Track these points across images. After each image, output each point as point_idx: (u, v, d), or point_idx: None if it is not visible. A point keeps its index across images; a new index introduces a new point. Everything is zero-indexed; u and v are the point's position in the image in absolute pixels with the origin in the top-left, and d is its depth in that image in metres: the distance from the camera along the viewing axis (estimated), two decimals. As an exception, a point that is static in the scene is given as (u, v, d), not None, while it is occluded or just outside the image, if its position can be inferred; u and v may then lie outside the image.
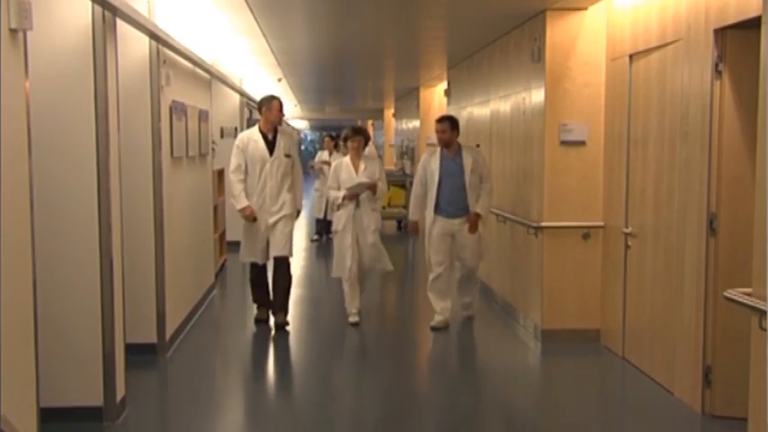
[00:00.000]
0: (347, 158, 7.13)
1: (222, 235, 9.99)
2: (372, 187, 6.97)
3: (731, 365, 4.51)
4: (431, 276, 7.01)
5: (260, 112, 6.90)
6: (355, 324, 6.94)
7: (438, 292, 7.00)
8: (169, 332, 6.07)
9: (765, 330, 3.24)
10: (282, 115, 7.01)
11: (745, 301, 3.43)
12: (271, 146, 6.80)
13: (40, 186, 3.77)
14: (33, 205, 3.39)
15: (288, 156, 6.89)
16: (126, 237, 4.89)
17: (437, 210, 6.86)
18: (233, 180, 6.86)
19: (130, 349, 4.99)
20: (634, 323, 5.76)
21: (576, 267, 6.36)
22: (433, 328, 6.92)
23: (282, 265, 6.96)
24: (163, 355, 5.90)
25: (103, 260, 4.41)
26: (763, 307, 3.28)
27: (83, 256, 4.37)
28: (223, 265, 9.99)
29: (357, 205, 6.98)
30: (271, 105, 6.83)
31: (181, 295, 6.64)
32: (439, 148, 6.92)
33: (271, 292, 7.11)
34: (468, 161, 6.79)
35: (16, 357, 3.19)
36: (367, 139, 14.66)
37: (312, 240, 13.12)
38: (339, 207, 7.04)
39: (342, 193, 6.97)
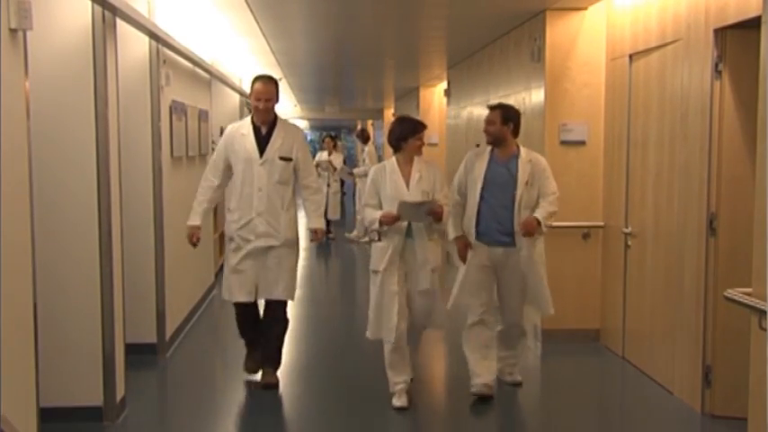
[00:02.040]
0: (392, 162, 4.90)
1: (222, 235, 9.96)
2: (436, 212, 4.71)
3: (731, 365, 4.51)
4: (467, 323, 5.11)
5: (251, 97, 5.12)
6: (402, 409, 4.79)
7: (478, 346, 5.05)
8: (169, 332, 6.07)
9: (765, 330, 3.24)
10: (272, 102, 5.08)
11: (744, 301, 3.44)
12: (263, 143, 5.01)
13: (40, 186, 3.77)
14: (33, 205, 3.40)
15: (285, 159, 5.00)
16: (126, 237, 4.89)
17: (476, 232, 4.97)
18: (201, 184, 5.14)
19: (130, 349, 4.98)
20: (634, 323, 5.76)
21: (576, 267, 6.36)
22: (477, 396, 4.99)
23: (277, 309, 5.19)
24: (163, 355, 5.90)
25: (103, 260, 4.41)
26: (763, 307, 3.28)
27: (83, 256, 4.37)
28: (223, 264, 9.98)
29: (408, 233, 4.81)
30: (251, 90, 5.11)
31: (181, 295, 6.64)
32: (488, 150, 5.03)
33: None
34: (524, 169, 4.89)
35: (16, 357, 3.19)
36: (366, 139, 14.59)
37: (311, 240, 13.09)
38: (378, 235, 4.82)
39: (379, 214, 4.76)
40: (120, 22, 4.65)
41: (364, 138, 13.88)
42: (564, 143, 6.33)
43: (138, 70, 5.65)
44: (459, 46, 9.06)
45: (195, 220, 5.09)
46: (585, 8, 6.25)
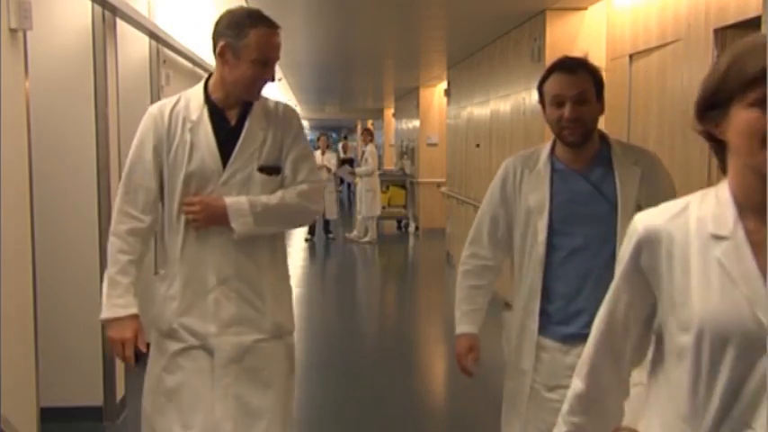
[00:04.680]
0: None
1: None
2: None
3: None
4: None
5: (216, 52, 2.75)
6: None
7: None
8: (169, 332, 6.06)
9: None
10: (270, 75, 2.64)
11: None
12: (228, 141, 2.61)
13: (40, 186, 3.77)
14: (33, 205, 3.40)
15: (269, 170, 2.63)
16: (126, 237, 4.88)
17: (542, 316, 2.56)
18: (112, 232, 2.63)
19: (130, 349, 4.97)
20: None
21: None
22: None
23: None
24: (163, 355, 5.89)
25: (103, 261, 4.40)
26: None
27: (83, 256, 4.37)
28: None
29: None
30: (247, 40, 2.63)
31: (181, 295, 6.63)
32: (546, 150, 2.63)
33: None
34: (628, 180, 2.55)
35: (16, 357, 3.19)
36: (370, 139, 14.57)
37: (305, 240, 13.08)
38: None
39: None
40: (120, 22, 4.65)
41: (368, 137, 13.89)
42: (564, 143, 6.32)
43: (138, 70, 5.65)
44: (459, 46, 9.06)
45: (125, 308, 2.60)
46: (585, 8, 6.25)
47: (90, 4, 4.21)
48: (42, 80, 4.12)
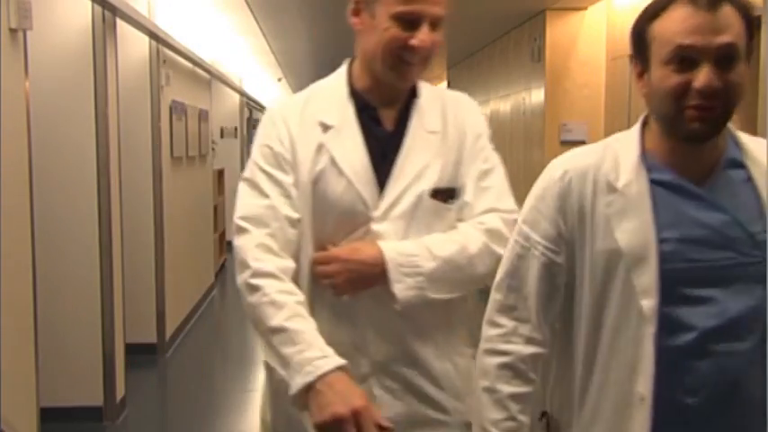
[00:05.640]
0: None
1: (222, 235, 10.00)
2: None
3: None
4: None
5: (350, 14, 1.70)
6: None
7: None
8: (169, 332, 6.07)
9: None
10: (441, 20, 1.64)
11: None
12: (386, 152, 1.69)
13: (40, 186, 3.77)
14: (33, 205, 3.40)
15: (447, 195, 1.70)
16: (126, 237, 4.89)
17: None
18: (247, 276, 1.59)
19: (130, 349, 4.98)
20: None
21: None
22: None
23: None
24: (163, 355, 5.90)
25: (103, 260, 4.41)
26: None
27: (83, 256, 4.37)
28: (223, 265, 9.99)
29: None
30: None
31: (181, 295, 6.64)
32: (634, 146, 1.46)
33: None
34: None
35: (16, 357, 3.19)
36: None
37: None
38: None
39: None
40: (120, 22, 4.65)
41: None
42: (564, 143, 6.33)
43: (138, 70, 5.65)
44: (459, 46, 9.06)
45: (326, 360, 1.49)
46: (585, 8, 6.25)
47: (90, 4, 4.21)
48: (42, 80, 4.12)
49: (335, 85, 1.76)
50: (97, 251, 4.38)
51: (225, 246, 10.25)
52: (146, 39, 5.55)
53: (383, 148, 1.69)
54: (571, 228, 1.42)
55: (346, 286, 1.63)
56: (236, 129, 11.31)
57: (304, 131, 1.68)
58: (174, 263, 6.26)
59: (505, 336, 1.47)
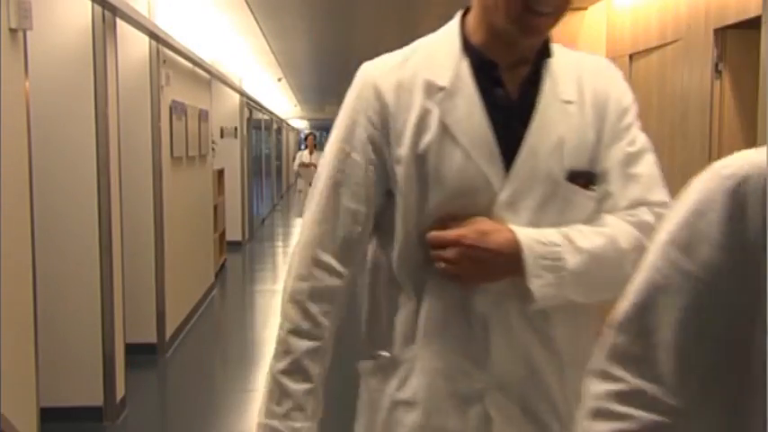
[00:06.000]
0: None
1: (222, 235, 10.01)
2: None
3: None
4: None
5: None
6: None
7: None
8: (169, 332, 6.07)
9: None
10: None
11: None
12: (510, 123, 1.36)
13: (40, 186, 3.77)
14: (33, 206, 3.40)
15: (587, 179, 1.37)
16: (126, 237, 4.89)
17: None
18: (288, 294, 1.41)
19: (130, 349, 4.98)
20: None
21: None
22: None
23: None
24: (163, 355, 5.90)
25: (103, 260, 4.41)
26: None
27: (83, 256, 4.37)
28: (223, 265, 10.00)
29: None
30: None
31: (181, 295, 6.64)
32: None
33: None
34: None
35: (16, 357, 3.19)
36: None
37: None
38: None
39: None
40: (120, 22, 4.65)
41: None
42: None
43: (138, 70, 5.65)
44: (460, 46, 9.07)
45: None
46: (585, 8, 6.25)
47: (90, 4, 4.21)
48: (42, 80, 4.12)
49: (445, 38, 1.46)
50: (97, 251, 4.38)
51: (225, 246, 10.26)
52: (146, 39, 5.54)
53: (506, 116, 1.35)
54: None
55: (468, 277, 1.32)
56: (236, 129, 11.32)
57: (403, 96, 1.36)
58: (174, 263, 6.26)
59: (625, 395, 1.01)
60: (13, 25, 3.15)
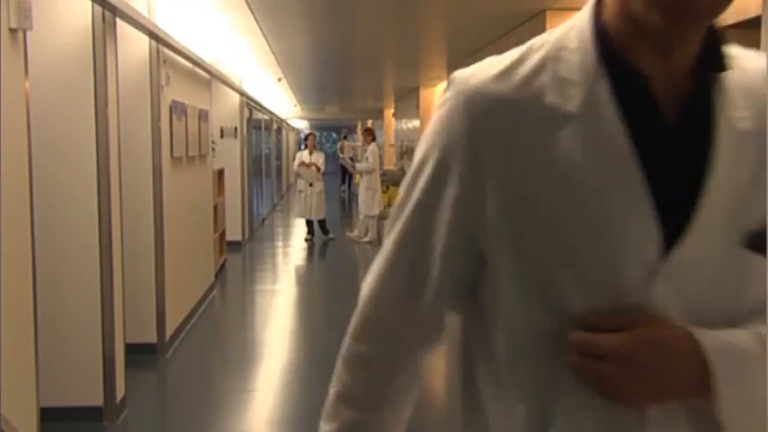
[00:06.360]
0: None
1: (222, 235, 10.00)
2: None
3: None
4: None
5: None
6: None
7: None
8: (169, 332, 6.07)
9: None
10: None
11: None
12: (666, 160, 0.92)
13: (40, 186, 3.77)
14: (33, 206, 3.40)
15: (762, 243, 0.91)
16: (126, 237, 4.89)
17: None
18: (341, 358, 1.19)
19: (130, 349, 4.98)
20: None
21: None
22: None
23: None
24: (163, 355, 5.90)
25: (103, 260, 4.41)
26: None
27: (83, 256, 4.37)
28: (223, 265, 10.00)
29: None
30: None
31: (181, 295, 6.64)
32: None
33: None
34: None
35: (16, 357, 3.19)
36: (372, 138, 14.57)
37: (305, 240, 13.06)
38: None
39: None
40: (120, 22, 4.65)
41: (369, 137, 13.89)
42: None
43: (138, 70, 5.65)
44: (459, 46, 9.06)
45: None
46: (579, 9, 6.26)
47: (90, 4, 4.21)
48: (42, 80, 4.12)
49: (573, 38, 1.01)
50: (97, 251, 4.38)
51: (225, 246, 10.26)
52: (146, 39, 5.54)
53: (662, 150, 0.93)
54: None
55: (633, 397, 0.94)
56: (236, 129, 11.32)
57: (510, 127, 0.97)
58: (174, 263, 6.26)
59: None
60: (13, 25, 3.16)
